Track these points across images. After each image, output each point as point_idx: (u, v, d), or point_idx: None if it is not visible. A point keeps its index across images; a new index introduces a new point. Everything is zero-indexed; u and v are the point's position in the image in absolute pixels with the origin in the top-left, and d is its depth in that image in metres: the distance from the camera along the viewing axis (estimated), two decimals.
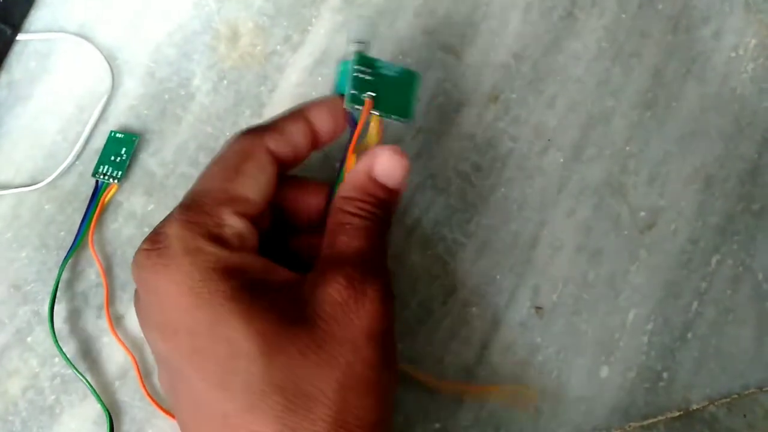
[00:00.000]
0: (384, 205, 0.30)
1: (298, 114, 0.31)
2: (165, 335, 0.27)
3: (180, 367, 0.26)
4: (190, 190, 0.29)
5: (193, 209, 0.27)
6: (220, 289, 0.25)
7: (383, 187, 0.30)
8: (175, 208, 0.28)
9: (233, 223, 0.27)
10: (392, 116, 0.31)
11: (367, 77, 0.31)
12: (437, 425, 0.37)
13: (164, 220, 0.28)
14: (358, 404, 0.25)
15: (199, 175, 0.30)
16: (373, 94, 0.31)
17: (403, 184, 0.30)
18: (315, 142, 0.31)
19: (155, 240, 0.27)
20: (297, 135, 0.30)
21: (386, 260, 0.30)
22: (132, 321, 0.37)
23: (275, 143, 0.29)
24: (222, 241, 0.27)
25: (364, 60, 0.31)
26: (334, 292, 0.26)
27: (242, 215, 0.28)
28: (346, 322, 0.26)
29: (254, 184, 0.28)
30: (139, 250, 0.27)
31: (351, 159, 0.31)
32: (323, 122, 0.31)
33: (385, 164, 0.29)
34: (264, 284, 0.27)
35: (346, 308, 0.26)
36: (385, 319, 0.27)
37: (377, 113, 0.31)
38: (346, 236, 0.29)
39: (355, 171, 0.30)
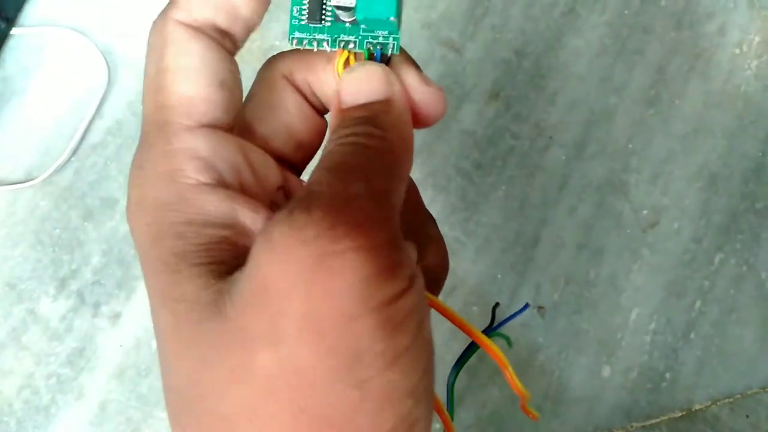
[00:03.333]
0: (362, 122, 0.19)
1: None
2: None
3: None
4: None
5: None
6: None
7: (358, 108, 0.20)
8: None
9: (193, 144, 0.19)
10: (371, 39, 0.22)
11: None
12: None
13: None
14: None
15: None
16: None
17: (385, 89, 0.21)
18: None
19: None
20: None
21: (387, 198, 0.17)
22: (128, 319, 0.36)
23: (183, 13, 0.19)
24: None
25: None
26: (251, 258, 0.16)
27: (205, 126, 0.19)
28: (266, 304, 0.15)
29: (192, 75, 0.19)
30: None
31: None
32: None
33: (348, 85, 0.21)
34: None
35: (265, 281, 0.15)
36: (349, 293, 0.15)
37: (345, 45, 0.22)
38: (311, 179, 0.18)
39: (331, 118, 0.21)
